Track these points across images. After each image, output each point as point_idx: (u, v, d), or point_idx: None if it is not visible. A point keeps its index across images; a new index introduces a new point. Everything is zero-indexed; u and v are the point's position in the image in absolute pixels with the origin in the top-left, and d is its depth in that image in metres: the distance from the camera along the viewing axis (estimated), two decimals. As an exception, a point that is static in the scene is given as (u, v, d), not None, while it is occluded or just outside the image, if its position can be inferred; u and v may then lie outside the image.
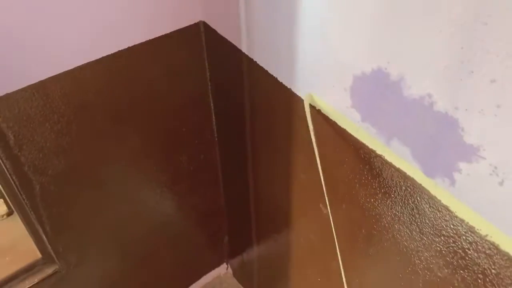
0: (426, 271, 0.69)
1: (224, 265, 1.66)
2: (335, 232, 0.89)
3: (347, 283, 0.94)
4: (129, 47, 0.92)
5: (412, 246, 0.70)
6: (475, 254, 0.58)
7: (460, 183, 0.56)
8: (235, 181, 1.35)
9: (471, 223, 0.57)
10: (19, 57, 0.80)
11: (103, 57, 0.90)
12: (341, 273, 0.93)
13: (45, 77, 0.84)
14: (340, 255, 0.91)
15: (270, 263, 1.38)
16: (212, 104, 1.20)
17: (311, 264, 1.11)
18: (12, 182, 0.93)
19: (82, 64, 0.88)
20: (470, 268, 0.60)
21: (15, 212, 1.25)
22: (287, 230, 1.15)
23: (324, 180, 0.83)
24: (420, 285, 0.72)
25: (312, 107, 0.77)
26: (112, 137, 1.04)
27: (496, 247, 0.54)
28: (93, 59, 0.89)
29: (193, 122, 1.19)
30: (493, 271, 0.56)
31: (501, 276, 0.56)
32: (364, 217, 0.78)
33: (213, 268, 1.63)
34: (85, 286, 1.29)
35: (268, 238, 1.31)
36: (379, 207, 0.73)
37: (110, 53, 0.90)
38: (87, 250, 1.20)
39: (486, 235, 0.55)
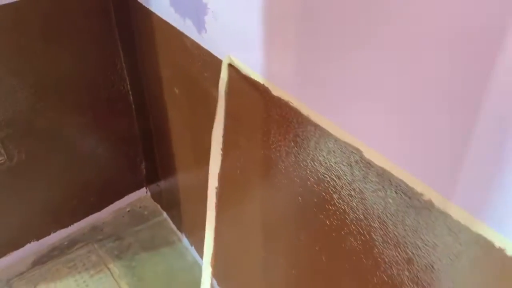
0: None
1: (143, 189, 1.97)
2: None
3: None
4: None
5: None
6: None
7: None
8: (146, 111, 1.65)
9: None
10: None
11: None
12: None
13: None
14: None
15: (183, 187, 1.68)
16: (119, 42, 1.50)
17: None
18: None
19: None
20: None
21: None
22: (195, 159, 1.46)
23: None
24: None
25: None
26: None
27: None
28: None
29: (103, 56, 1.49)
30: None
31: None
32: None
33: (134, 191, 1.94)
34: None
35: (179, 165, 1.61)
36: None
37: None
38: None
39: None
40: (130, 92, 1.65)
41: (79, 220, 1.81)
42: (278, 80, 0.80)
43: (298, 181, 0.86)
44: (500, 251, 0.51)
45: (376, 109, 0.62)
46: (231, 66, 0.90)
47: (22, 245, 1.69)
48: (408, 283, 0.68)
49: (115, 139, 1.74)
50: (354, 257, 0.78)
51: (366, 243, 0.74)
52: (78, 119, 1.58)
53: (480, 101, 0.48)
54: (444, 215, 0.58)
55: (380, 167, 0.64)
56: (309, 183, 0.83)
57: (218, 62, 0.94)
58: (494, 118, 0.47)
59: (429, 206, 0.59)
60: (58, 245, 1.75)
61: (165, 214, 1.88)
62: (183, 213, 1.70)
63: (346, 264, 0.82)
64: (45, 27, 1.34)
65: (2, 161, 1.47)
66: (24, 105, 1.42)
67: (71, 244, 1.76)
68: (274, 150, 0.90)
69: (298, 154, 0.83)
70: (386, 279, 0.73)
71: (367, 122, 0.65)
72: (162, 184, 1.79)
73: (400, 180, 0.62)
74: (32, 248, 1.71)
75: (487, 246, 0.53)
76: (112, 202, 1.89)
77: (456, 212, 0.56)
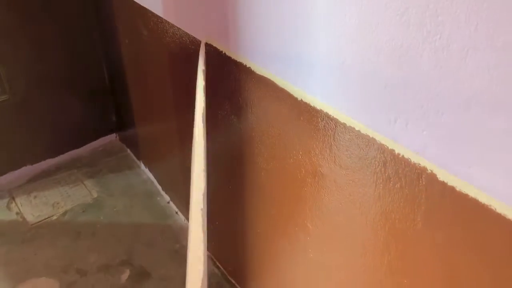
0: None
1: (113, 134, 2.57)
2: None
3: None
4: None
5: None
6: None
7: None
8: (116, 65, 2.26)
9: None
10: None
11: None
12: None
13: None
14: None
15: (142, 130, 2.27)
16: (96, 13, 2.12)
17: (180, 141, 2.04)
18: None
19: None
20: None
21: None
22: (154, 111, 2.05)
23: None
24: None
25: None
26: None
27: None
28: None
29: (82, 26, 2.11)
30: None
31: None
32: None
33: (106, 135, 2.54)
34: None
35: (140, 116, 2.21)
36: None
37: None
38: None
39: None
40: (103, 61, 2.26)
41: (63, 153, 2.40)
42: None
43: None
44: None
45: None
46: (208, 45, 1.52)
47: (19, 167, 2.27)
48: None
49: (90, 92, 2.34)
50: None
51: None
52: (61, 74, 2.18)
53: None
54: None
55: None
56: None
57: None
58: None
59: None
60: (47, 170, 2.34)
61: (128, 150, 2.48)
62: (141, 148, 2.31)
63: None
64: None
65: (6, 98, 2.07)
66: (23, 60, 2.03)
67: (57, 169, 2.35)
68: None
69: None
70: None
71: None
72: (128, 130, 2.40)
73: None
74: (27, 170, 2.30)
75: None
76: (88, 143, 2.48)
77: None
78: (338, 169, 0.98)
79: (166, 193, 2.17)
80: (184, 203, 2.01)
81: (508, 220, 0.68)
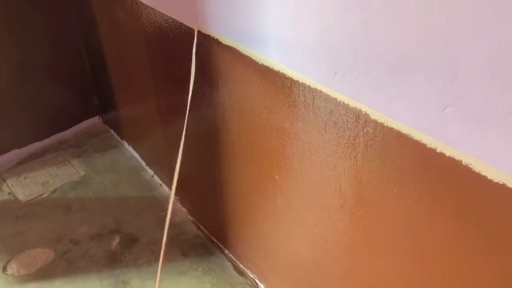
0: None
1: (96, 117, 2.69)
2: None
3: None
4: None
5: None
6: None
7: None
8: (96, 49, 2.38)
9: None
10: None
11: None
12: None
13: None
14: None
15: (124, 111, 2.40)
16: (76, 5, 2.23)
17: (165, 122, 2.17)
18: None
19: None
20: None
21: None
22: (136, 94, 2.18)
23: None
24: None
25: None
26: None
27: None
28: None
29: (63, 14, 2.22)
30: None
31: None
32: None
33: (89, 118, 2.66)
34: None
35: (125, 97, 2.34)
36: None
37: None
38: None
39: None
40: (83, 45, 2.38)
41: (49, 136, 2.52)
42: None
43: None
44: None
45: None
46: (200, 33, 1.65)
47: (8, 151, 2.39)
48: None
49: (72, 77, 2.46)
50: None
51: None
52: (41, 60, 2.29)
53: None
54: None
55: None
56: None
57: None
58: None
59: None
60: (34, 152, 2.46)
61: (112, 131, 2.61)
62: (124, 128, 2.44)
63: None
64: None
65: (-7, 85, 2.18)
66: (2, 48, 2.14)
67: (44, 151, 2.47)
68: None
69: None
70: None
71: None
72: (111, 111, 2.52)
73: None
74: (16, 154, 2.42)
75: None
76: (73, 126, 2.61)
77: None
78: (296, 122, 1.15)
79: (150, 168, 2.32)
80: (167, 176, 2.16)
81: (423, 144, 0.86)
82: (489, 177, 0.77)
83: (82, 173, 2.33)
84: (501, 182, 0.75)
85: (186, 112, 1.47)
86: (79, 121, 2.63)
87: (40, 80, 2.33)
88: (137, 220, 2.07)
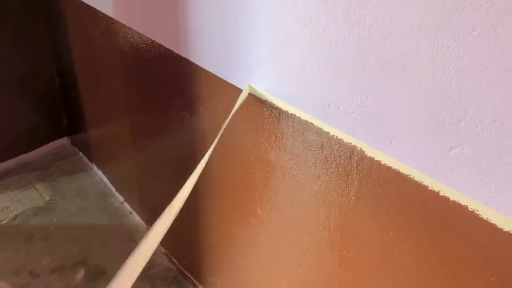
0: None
1: (65, 138, 2.55)
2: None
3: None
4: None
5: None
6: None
7: None
8: (66, 68, 2.26)
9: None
10: None
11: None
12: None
13: None
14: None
15: (94, 134, 2.28)
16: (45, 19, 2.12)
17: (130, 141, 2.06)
18: None
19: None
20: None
21: None
22: (116, 113, 2.06)
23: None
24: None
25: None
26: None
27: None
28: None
29: (33, 30, 2.10)
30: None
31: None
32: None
33: (57, 139, 2.52)
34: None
35: (96, 118, 2.22)
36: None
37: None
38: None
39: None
40: (52, 63, 2.25)
41: (13, 157, 2.36)
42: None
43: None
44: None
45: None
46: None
47: (-33, 173, 2.22)
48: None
49: (39, 96, 2.32)
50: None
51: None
52: (7, 76, 2.16)
53: None
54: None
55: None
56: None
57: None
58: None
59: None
60: (-5, 175, 2.29)
61: (81, 153, 2.47)
62: (93, 151, 2.31)
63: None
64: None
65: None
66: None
67: (5, 174, 2.31)
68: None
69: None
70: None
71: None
72: (80, 133, 2.39)
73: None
74: (-26, 176, 2.25)
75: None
76: (39, 147, 2.45)
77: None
78: (283, 154, 1.08)
79: (120, 193, 2.19)
80: (138, 203, 2.04)
81: (424, 186, 0.79)
82: (498, 225, 0.71)
83: (47, 198, 2.18)
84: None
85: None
86: (46, 142, 2.48)
87: (4, 97, 2.19)
88: (104, 250, 1.93)
